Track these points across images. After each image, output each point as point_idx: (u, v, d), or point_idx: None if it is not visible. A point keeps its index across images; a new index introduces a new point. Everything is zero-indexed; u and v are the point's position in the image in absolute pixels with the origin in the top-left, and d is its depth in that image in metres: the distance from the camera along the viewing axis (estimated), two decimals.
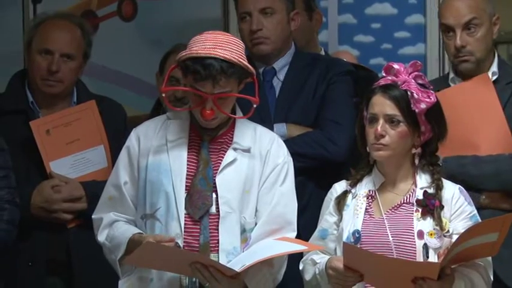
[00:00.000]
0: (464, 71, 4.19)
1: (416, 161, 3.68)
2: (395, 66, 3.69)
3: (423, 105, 3.60)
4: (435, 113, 3.65)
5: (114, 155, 4.10)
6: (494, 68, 4.22)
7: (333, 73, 4.31)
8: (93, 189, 4.07)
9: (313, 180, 3.95)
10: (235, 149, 3.70)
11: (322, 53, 5.20)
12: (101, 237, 3.70)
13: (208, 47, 3.57)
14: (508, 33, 5.33)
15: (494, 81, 4.18)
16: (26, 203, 4.14)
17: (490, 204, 3.83)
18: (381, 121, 3.60)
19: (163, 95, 3.73)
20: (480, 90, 4.13)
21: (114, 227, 3.68)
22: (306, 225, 3.77)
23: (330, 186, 3.79)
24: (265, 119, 3.89)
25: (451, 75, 4.20)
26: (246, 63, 3.63)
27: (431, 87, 3.70)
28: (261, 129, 3.78)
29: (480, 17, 4.18)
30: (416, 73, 3.67)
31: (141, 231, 3.63)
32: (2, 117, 4.25)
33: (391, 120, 3.60)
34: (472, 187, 3.71)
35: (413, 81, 3.63)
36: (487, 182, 3.97)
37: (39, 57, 4.30)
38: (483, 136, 4.02)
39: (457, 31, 4.16)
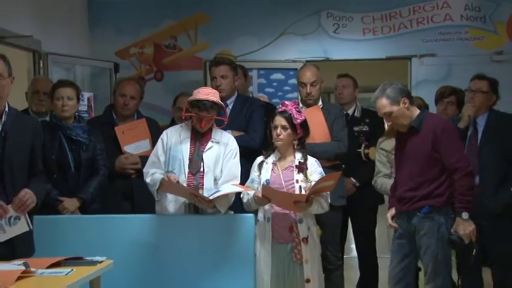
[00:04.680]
0: (309, 104, 4.16)
1: (296, 147, 3.69)
2: (286, 102, 3.72)
3: (299, 120, 3.64)
4: (304, 124, 3.67)
5: (153, 143, 4.02)
6: (320, 102, 4.20)
7: (254, 106, 4.21)
8: (143, 159, 3.95)
9: (244, 157, 3.79)
10: (212, 142, 3.68)
11: (250, 95, 5.12)
12: (148, 179, 3.65)
13: (204, 94, 3.58)
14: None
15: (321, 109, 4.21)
16: (112, 165, 4.08)
17: (321, 164, 3.78)
18: (279, 128, 3.63)
19: (183, 113, 3.69)
20: (315, 112, 4.10)
21: (154, 175, 3.63)
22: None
23: (252, 159, 3.78)
24: (222, 129, 3.78)
25: (301, 105, 4.12)
26: (221, 103, 3.64)
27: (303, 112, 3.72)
28: (224, 132, 3.78)
29: (318, 79, 4.14)
30: (295, 106, 3.69)
31: None
32: (101, 126, 4.17)
33: (283, 128, 3.63)
34: (314, 157, 3.68)
35: (294, 109, 3.66)
36: (320, 155, 3.88)
37: (119, 98, 4.25)
38: (317, 133, 3.98)
39: (307, 85, 4.14)
